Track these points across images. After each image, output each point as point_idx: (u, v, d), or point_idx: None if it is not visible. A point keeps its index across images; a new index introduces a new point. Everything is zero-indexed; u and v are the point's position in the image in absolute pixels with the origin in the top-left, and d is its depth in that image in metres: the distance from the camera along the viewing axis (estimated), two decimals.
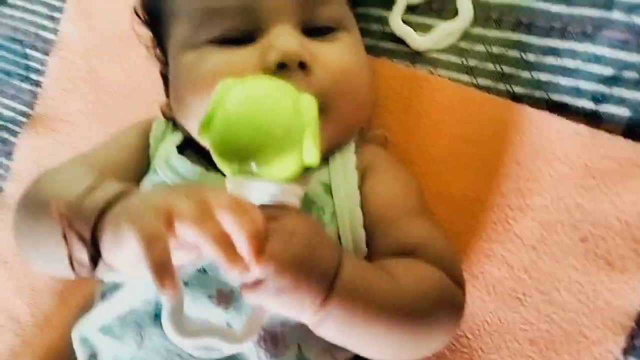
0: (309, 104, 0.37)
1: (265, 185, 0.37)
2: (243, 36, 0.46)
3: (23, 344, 0.69)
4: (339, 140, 0.48)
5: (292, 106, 0.37)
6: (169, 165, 0.49)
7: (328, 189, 0.46)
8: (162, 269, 0.31)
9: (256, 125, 0.36)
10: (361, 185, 0.47)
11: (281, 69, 0.43)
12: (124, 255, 0.35)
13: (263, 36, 0.46)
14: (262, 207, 0.35)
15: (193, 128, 0.49)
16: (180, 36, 0.49)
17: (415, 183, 0.50)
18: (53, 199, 0.41)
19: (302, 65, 0.44)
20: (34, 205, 0.47)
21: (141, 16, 0.57)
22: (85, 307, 0.54)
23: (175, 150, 0.50)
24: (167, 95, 0.56)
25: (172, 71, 0.52)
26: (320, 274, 0.34)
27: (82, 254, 0.38)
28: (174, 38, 0.51)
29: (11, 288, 0.72)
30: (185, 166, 0.48)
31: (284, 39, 0.44)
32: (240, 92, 0.37)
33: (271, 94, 0.38)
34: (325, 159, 0.47)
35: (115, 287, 0.48)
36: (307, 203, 0.44)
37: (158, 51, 0.56)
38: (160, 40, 0.55)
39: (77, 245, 0.38)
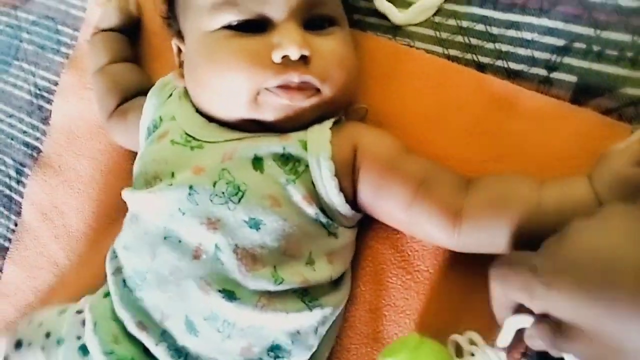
0: None
1: None
2: (255, 24, 0.51)
3: (60, 283, 0.74)
4: (329, 113, 0.53)
5: None
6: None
7: (304, 145, 0.50)
8: None
9: None
10: (356, 153, 0.51)
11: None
12: None
13: (273, 27, 0.50)
14: None
15: (205, 100, 0.55)
16: (199, 20, 0.53)
17: (392, 136, 0.54)
18: None
19: (304, 58, 0.49)
20: None
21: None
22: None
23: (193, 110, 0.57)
24: (179, 65, 0.60)
25: (190, 49, 0.56)
26: None
27: None
28: (192, 21, 0.54)
29: (50, 236, 0.76)
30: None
31: (291, 37, 0.49)
32: None
33: None
34: (306, 126, 0.52)
35: (135, 215, 0.54)
36: (286, 156, 0.49)
37: (174, 27, 0.60)
38: (176, 18, 0.59)
39: None
